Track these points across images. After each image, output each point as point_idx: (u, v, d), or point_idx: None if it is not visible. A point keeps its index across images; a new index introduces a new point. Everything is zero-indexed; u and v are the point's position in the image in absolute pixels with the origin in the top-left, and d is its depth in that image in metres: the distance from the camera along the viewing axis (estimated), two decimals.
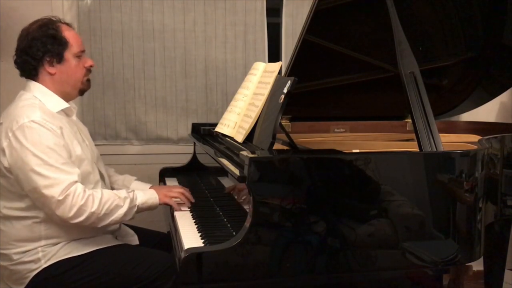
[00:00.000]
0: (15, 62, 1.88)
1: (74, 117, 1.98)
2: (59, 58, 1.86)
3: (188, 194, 2.02)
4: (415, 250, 1.60)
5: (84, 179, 1.82)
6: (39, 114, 1.76)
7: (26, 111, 1.76)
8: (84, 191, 1.73)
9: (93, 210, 1.73)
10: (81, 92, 1.97)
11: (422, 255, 1.61)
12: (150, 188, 2.15)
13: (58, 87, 1.88)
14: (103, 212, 1.75)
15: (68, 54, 1.87)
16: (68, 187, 1.70)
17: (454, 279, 2.51)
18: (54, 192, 1.69)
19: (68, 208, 1.70)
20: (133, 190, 1.90)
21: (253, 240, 1.47)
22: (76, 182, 1.73)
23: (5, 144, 1.74)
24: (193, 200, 2.01)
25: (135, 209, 1.85)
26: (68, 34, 1.88)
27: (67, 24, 1.94)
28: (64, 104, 1.89)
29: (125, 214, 1.81)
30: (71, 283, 1.78)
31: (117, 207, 1.79)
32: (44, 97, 1.85)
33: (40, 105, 1.81)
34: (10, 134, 1.73)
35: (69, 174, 1.73)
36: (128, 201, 1.82)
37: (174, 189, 2.01)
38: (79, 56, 1.90)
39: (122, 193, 1.84)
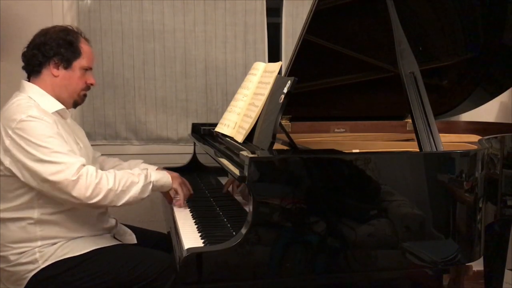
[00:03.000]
0: (23, 54, 1.89)
1: (68, 120, 1.97)
2: (67, 63, 1.88)
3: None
4: (415, 250, 1.60)
5: None
6: (35, 110, 1.77)
7: (22, 109, 1.77)
8: (96, 171, 1.73)
9: (110, 187, 1.72)
10: (75, 105, 1.98)
11: (422, 255, 1.61)
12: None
13: (56, 91, 1.89)
14: (120, 188, 1.74)
15: (76, 64, 1.89)
16: (79, 168, 1.70)
17: (454, 279, 2.51)
18: (66, 174, 1.68)
19: (84, 188, 1.69)
20: (146, 168, 1.92)
21: (253, 240, 1.47)
22: (85, 164, 1.74)
23: (7, 142, 1.74)
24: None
25: (151, 186, 1.84)
26: (84, 47, 1.92)
27: (87, 39, 1.97)
28: (59, 106, 1.88)
29: (142, 190, 1.80)
30: (70, 283, 1.77)
31: (133, 183, 1.78)
32: (39, 98, 1.85)
33: (35, 104, 1.81)
34: (10, 132, 1.73)
35: (77, 157, 1.74)
36: (142, 177, 1.82)
37: (186, 184, 2.04)
38: (85, 70, 1.92)
39: (136, 170, 1.86)
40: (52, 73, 1.87)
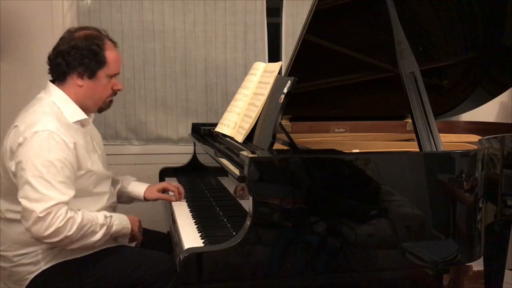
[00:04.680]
0: (49, 58, 1.85)
1: (89, 126, 1.95)
2: (91, 74, 1.83)
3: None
4: (415, 250, 1.60)
5: (89, 192, 1.82)
6: (55, 125, 1.73)
7: (42, 119, 1.73)
8: (66, 212, 1.68)
9: (69, 234, 1.68)
10: (100, 111, 1.95)
11: (422, 255, 1.61)
12: (147, 187, 2.19)
13: (80, 99, 1.85)
14: (78, 237, 1.71)
15: (102, 73, 1.84)
16: (53, 206, 1.65)
17: (454, 279, 2.51)
18: (37, 207, 1.64)
19: (44, 228, 1.65)
20: (111, 216, 1.84)
21: (253, 240, 1.47)
22: (64, 203, 1.68)
23: (14, 147, 1.73)
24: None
25: (107, 236, 1.82)
26: (109, 54, 1.86)
27: (113, 42, 1.91)
28: (81, 115, 1.85)
29: (98, 240, 1.78)
30: (71, 285, 1.78)
31: (93, 233, 1.75)
32: (63, 105, 1.82)
33: (58, 113, 1.79)
34: (20, 139, 1.71)
35: (61, 193, 1.68)
36: (104, 228, 1.78)
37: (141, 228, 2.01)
38: (111, 77, 1.88)
39: (101, 218, 1.79)
40: (76, 83, 1.83)
